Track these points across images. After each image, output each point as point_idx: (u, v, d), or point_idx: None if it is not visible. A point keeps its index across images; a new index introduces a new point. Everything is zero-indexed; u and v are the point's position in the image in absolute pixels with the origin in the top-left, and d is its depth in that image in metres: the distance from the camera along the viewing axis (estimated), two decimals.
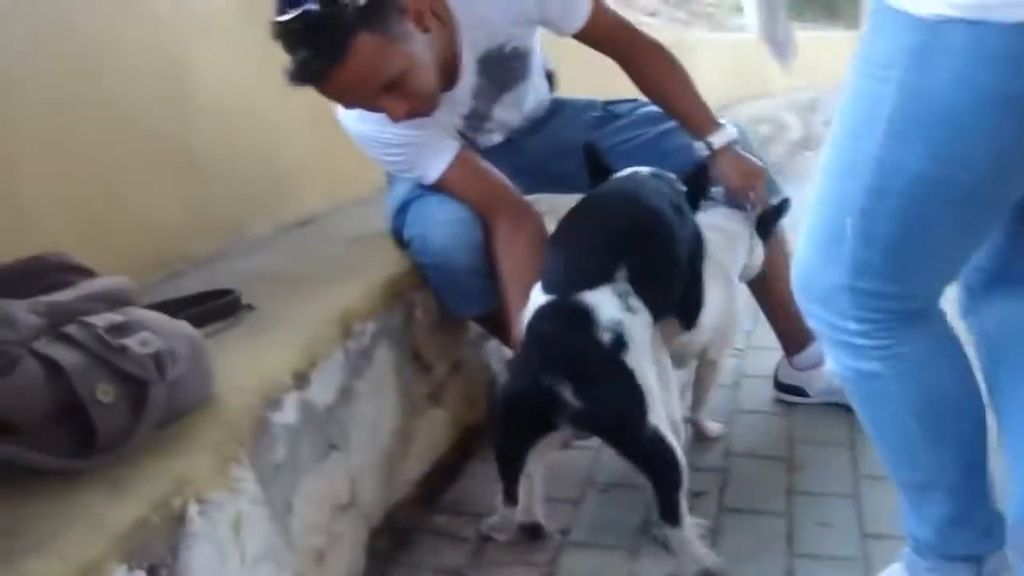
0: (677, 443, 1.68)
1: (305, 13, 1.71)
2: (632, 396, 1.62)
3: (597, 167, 2.00)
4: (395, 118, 1.90)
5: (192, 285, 1.83)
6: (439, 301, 2.17)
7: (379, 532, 1.84)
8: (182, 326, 1.34)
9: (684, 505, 1.69)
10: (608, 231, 1.78)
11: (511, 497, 1.81)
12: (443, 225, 2.06)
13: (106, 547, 1.03)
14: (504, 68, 2.13)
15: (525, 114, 2.30)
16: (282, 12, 1.73)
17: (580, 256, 1.75)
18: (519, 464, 1.77)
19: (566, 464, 1.91)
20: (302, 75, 1.78)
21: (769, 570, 1.75)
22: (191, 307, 1.62)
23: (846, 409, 2.26)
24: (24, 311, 1.17)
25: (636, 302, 1.67)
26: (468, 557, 1.82)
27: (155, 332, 1.24)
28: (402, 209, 2.17)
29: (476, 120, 2.20)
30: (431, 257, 2.07)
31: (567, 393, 1.59)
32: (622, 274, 1.68)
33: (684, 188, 1.94)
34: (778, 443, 2.25)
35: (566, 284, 1.69)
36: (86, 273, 1.34)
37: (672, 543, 1.72)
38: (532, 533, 1.84)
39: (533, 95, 2.29)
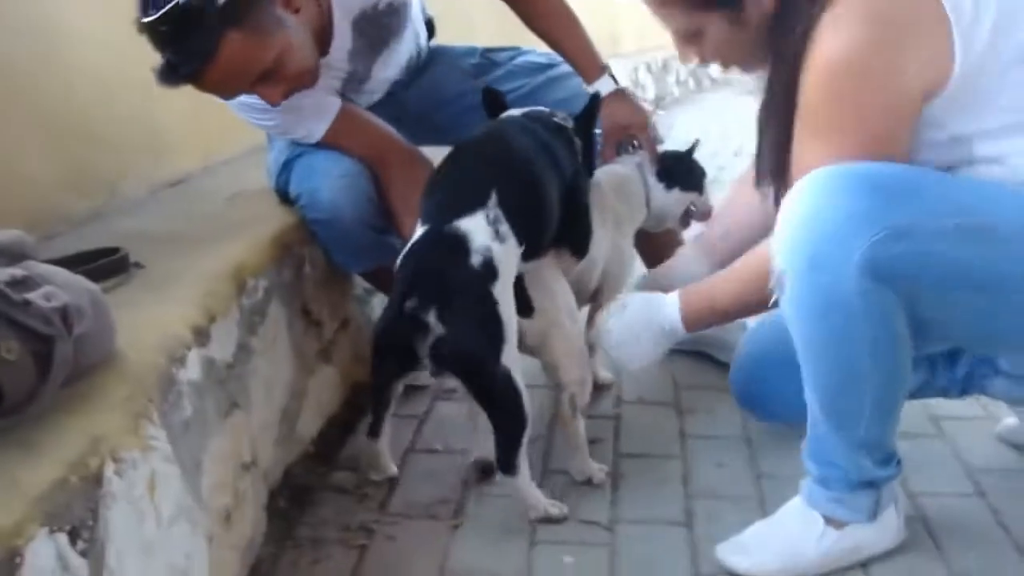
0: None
1: (168, 13, 1.65)
2: (493, 327, 1.61)
3: (496, 109, 1.99)
4: (272, 103, 1.87)
5: (70, 245, 1.73)
6: (327, 257, 2.13)
7: (278, 491, 1.81)
8: (82, 281, 1.27)
9: (522, 456, 1.68)
10: (476, 164, 1.77)
11: (375, 431, 1.81)
12: (332, 179, 2.01)
13: (25, 510, 0.97)
14: (379, 25, 2.09)
15: (404, 66, 2.27)
16: (146, 11, 1.67)
17: (452, 188, 1.74)
18: (387, 399, 1.77)
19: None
20: (172, 78, 1.74)
21: (669, 510, 1.79)
22: (79, 265, 1.54)
23: (713, 361, 2.35)
24: None
25: (505, 229, 1.67)
26: (373, 512, 1.80)
27: (58, 286, 1.18)
28: (286, 166, 2.12)
29: (355, 83, 2.15)
30: (320, 212, 2.03)
31: (430, 317, 1.57)
32: (492, 200, 1.67)
33: (571, 131, 1.96)
34: (665, 390, 2.30)
35: (439, 214, 1.68)
36: None
37: (511, 491, 1.74)
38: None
39: (410, 45, 2.25)
